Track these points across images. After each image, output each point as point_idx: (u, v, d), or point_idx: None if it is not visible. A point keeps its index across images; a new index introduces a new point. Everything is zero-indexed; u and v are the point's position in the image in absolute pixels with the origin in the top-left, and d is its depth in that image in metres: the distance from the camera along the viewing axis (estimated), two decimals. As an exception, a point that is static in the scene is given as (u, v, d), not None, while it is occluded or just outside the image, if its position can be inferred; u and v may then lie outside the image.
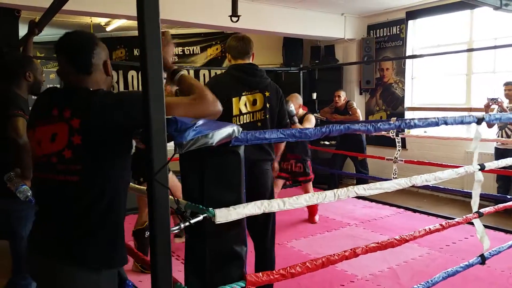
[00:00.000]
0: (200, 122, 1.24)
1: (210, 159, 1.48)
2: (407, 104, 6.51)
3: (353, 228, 4.40)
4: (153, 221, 1.11)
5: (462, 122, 2.22)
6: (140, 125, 1.20)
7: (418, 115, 6.40)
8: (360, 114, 5.95)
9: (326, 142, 7.06)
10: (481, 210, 2.55)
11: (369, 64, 6.73)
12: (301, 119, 4.39)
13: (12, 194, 2.08)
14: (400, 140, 5.05)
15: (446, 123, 2.13)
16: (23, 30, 4.50)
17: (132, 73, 7.99)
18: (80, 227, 1.31)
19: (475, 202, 2.50)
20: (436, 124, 2.10)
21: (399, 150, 4.99)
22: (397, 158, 4.93)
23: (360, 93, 7.09)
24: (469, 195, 2.68)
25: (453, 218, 2.58)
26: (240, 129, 1.44)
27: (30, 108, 2.23)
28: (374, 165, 6.21)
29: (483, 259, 2.49)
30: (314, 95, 7.17)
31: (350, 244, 3.78)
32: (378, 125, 1.88)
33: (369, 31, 6.86)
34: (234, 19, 4.63)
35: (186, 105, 1.31)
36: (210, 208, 1.36)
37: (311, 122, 4.44)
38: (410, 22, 6.30)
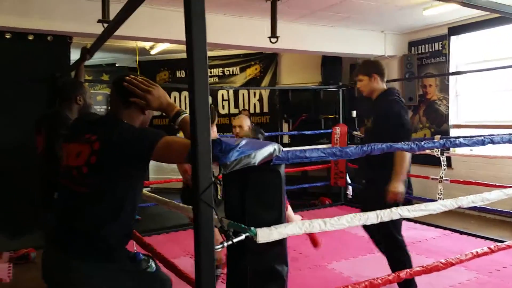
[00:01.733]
0: (243, 142, 1.28)
1: (251, 177, 1.51)
2: (452, 121, 6.32)
3: (397, 250, 4.27)
4: (198, 240, 1.14)
5: (510, 141, 2.14)
6: (149, 158, 1.45)
7: (464, 133, 6.19)
8: None
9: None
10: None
11: (411, 80, 6.61)
12: None
13: None
14: (445, 158, 4.90)
15: (492, 141, 2.07)
16: (74, 55, 4.79)
17: (174, 94, 8.24)
18: (82, 227, 1.52)
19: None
20: (482, 142, 2.03)
21: (444, 169, 4.83)
22: (442, 178, 4.77)
23: (402, 111, 6.94)
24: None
25: (503, 241, 2.47)
26: (281, 147, 1.46)
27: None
28: (418, 184, 6.02)
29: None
30: (354, 113, 7.11)
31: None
32: (422, 143, 1.85)
33: (410, 48, 6.76)
34: (273, 40, 4.71)
35: (185, 153, 1.35)
36: (252, 228, 1.39)
37: None
38: (452, 38, 6.17)
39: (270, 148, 1.39)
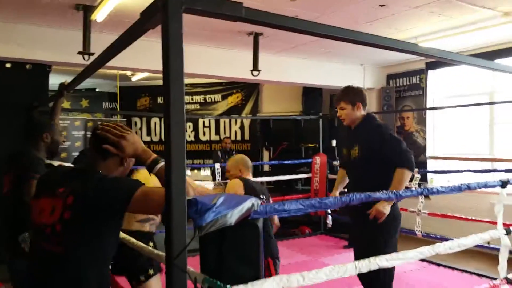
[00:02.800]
0: (221, 200, 1.26)
1: (228, 231, 1.47)
2: (429, 153, 6.43)
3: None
4: (171, 306, 1.11)
5: (486, 186, 2.18)
6: (125, 209, 1.39)
7: (440, 165, 6.30)
8: None
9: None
10: (510, 276, 2.44)
11: (389, 113, 6.75)
12: None
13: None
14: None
15: (469, 188, 2.10)
16: (53, 80, 4.73)
17: (155, 120, 8.20)
18: None
19: (502, 267, 2.40)
20: (459, 189, 2.06)
21: (422, 202, 4.90)
22: (420, 211, 4.82)
23: (381, 141, 7.05)
24: (497, 250, 2.54)
25: (480, 274, 2.47)
26: (259, 202, 1.45)
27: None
28: (396, 215, 6.06)
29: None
30: (334, 143, 7.17)
31: None
32: (400, 193, 1.86)
33: (388, 81, 6.92)
34: (255, 73, 4.77)
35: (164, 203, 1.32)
36: (228, 286, 1.35)
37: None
38: (430, 72, 6.34)
39: (248, 204, 1.37)
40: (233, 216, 1.26)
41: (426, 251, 1.97)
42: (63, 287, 1.43)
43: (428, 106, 6.30)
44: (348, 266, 1.68)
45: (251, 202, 1.40)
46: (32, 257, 1.57)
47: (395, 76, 6.82)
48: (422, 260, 5.01)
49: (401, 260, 1.83)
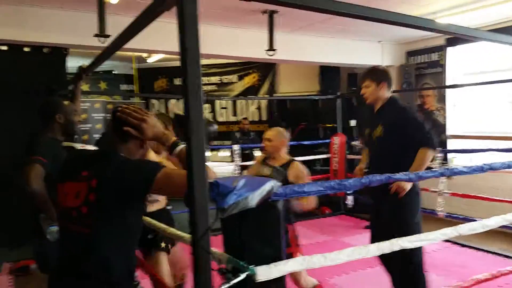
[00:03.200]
0: (241, 182, 1.25)
1: (249, 213, 1.48)
2: (449, 132, 6.31)
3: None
4: (197, 285, 1.12)
5: (509, 167, 2.13)
6: (148, 191, 1.42)
7: (461, 144, 6.18)
8: None
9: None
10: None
11: (409, 91, 6.62)
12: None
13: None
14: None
15: (492, 168, 2.05)
16: (71, 63, 4.76)
17: (173, 101, 8.22)
18: (86, 270, 1.46)
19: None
20: (481, 169, 2.02)
21: (443, 182, 4.83)
22: (442, 191, 4.76)
23: (400, 120, 6.95)
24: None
25: (505, 255, 2.43)
26: (279, 184, 1.44)
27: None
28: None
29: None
30: (352, 122, 7.09)
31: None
32: (420, 174, 1.83)
33: (408, 58, 6.76)
34: (271, 53, 4.71)
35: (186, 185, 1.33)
36: (251, 266, 1.36)
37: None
38: (449, 49, 6.17)
39: (268, 187, 1.36)
40: (254, 199, 1.26)
41: (449, 232, 1.94)
42: (92, 267, 1.46)
43: (448, 83, 6.15)
44: (370, 247, 1.68)
45: (271, 184, 1.39)
46: (61, 239, 1.62)
47: (415, 53, 6.66)
48: (446, 240, 4.97)
49: (423, 242, 1.81)
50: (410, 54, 6.71)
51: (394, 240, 1.73)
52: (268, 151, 2.97)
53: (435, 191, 4.69)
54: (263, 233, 1.50)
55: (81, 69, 2.80)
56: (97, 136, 7.39)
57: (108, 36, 3.70)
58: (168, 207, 2.79)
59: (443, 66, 6.23)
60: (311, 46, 5.96)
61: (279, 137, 2.98)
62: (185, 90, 1.10)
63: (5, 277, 3.89)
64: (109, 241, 1.46)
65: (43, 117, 2.49)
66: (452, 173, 2.10)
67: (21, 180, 2.28)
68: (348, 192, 6.29)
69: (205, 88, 7.97)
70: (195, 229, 1.11)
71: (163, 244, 2.63)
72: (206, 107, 8.02)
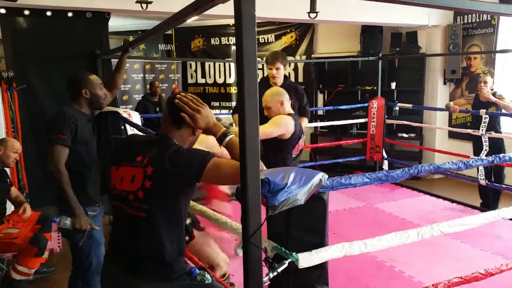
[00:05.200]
0: (291, 178, 1.29)
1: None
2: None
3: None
4: (248, 279, 1.19)
5: None
6: (198, 179, 1.48)
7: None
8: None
9: (405, 135, 6.81)
10: None
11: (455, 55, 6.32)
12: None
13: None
14: (487, 139, 4.76)
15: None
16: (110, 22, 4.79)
17: (209, 63, 8.22)
18: (142, 253, 1.57)
19: None
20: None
21: (486, 150, 4.71)
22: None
23: (444, 83, 6.70)
24: None
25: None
26: (326, 176, 1.47)
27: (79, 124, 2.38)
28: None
29: None
30: (393, 85, 6.90)
31: (428, 252, 3.69)
32: (470, 162, 1.80)
33: (455, 17, 6.40)
34: (312, 15, 4.57)
35: (234, 175, 1.37)
36: (293, 253, 1.42)
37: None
38: (503, 7, 5.76)
39: (316, 180, 1.39)
40: (303, 195, 1.30)
41: (492, 216, 1.93)
42: (146, 249, 1.57)
43: (499, 46, 5.82)
44: (410, 232, 1.70)
45: (319, 178, 1.42)
46: (115, 220, 1.73)
47: (464, 12, 6.28)
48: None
49: (464, 226, 1.81)
50: (459, 13, 6.33)
51: (435, 225, 1.75)
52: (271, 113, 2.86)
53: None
54: (309, 223, 1.55)
55: (126, 42, 2.83)
56: (136, 96, 7.56)
57: (150, 2, 3.70)
58: None
59: (495, 26, 5.87)
60: (352, 5, 5.71)
61: (275, 98, 2.87)
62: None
63: (55, 234, 4.16)
64: (163, 225, 1.55)
65: (70, 91, 2.51)
66: (502, 161, 2.01)
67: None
68: (385, 156, 6.25)
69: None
70: (247, 226, 1.17)
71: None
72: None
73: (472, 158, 1.78)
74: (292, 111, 2.98)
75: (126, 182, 1.59)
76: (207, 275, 1.64)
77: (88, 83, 2.49)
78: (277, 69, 3.37)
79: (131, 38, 2.80)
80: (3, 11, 4.14)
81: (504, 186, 4.86)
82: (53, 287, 3.40)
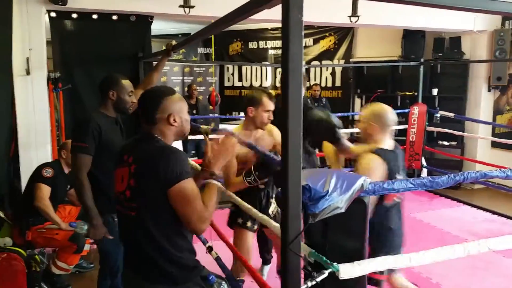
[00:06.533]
0: (332, 185, 1.26)
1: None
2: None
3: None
4: (286, 286, 1.18)
5: None
6: (178, 180, 1.45)
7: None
8: None
9: (445, 143, 6.59)
10: None
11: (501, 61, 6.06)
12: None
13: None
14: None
15: None
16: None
17: (246, 66, 8.28)
18: (142, 253, 1.56)
19: None
20: None
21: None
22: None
23: (489, 90, 6.43)
24: None
25: None
26: (369, 180, 1.43)
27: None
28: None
29: None
30: (435, 91, 6.70)
31: (468, 265, 3.55)
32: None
33: (504, 21, 6.14)
34: (354, 19, 4.52)
35: (199, 208, 1.47)
36: (334, 263, 1.39)
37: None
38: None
39: (358, 185, 1.36)
40: (344, 203, 1.27)
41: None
42: (145, 249, 1.55)
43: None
44: (456, 247, 1.63)
45: (360, 182, 1.39)
46: (119, 224, 1.73)
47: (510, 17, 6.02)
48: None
49: (514, 243, 1.71)
50: (507, 17, 6.07)
51: (482, 241, 1.67)
52: (361, 134, 2.49)
53: None
54: (349, 227, 1.51)
55: (169, 45, 2.87)
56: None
57: (192, 6, 3.77)
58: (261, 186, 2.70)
59: (546, 31, 5.60)
60: (395, 9, 5.58)
61: (369, 118, 2.39)
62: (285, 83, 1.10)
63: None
64: (153, 223, 1.52)
65: (100, 93, 2.47)
66: None
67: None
68: (424, 164, 6.07)
69: (279, 51, 7.90)
70: (286, 233, 1.16)
71: (249, 223, 2.70)
72: (279, 71, 7.98)
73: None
74: (391, 143, 2.40)
75: (118, 183, 1.61)
76: (225, 285, 1.62)
77: (117, 86, 2.44)
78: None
79: (174, 42, 2.84)
80: (53, 14, 4.32)
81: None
82: (91, 283, 3.49)
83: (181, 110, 1.64)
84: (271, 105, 2.60)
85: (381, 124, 2.34)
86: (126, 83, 2.49)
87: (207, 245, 2.57)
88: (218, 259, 2.52)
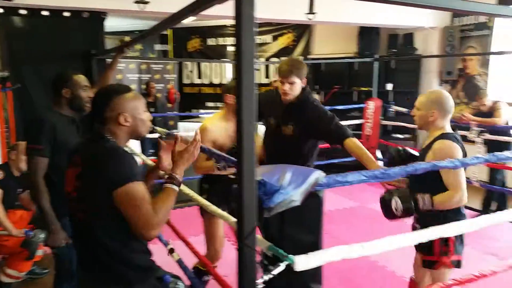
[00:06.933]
0: (287, 179, 1.28)
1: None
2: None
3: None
4: (242, 281, 1.18)
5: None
6: (123, 183, 1.39)
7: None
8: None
9: (399, 136, 6.82)
10: None
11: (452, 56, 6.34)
12: None
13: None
14: (482, 141, 4.77)
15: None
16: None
17: (205, 63, 8.21)
18: (94, 255, 1.51)
19: None
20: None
21: (479, 152, 4.71)
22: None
23: (440, 84, 6.73)
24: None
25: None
26: (323, 174, 1.46)
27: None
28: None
29: None
30: (389, 86, 6.91)
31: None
32: (467, 161, 1.80)
33: (453, 19, 6.42)
34: (311, 16, 4.58)
35: (146, 214, 1.40)
36: (290, 256, 1.41)
37: None
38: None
39: (312, 179, 1.38)
40: (299, 196, 1.29)
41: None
42: (93, 251, 1.51)
43: (494, 48, 5.84)
44: (408, 235, 1.69)
45: (315, 176, 1.41)
46: (70, 224, 1.67)
47: (461, 14, 6.30)
48: None
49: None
50: (456, 14, 6.35)
51: (432, 228, 1.74)
52: (416, 123, 2.38)
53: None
54: (304, 221, 1.55)
55: (123, 43, 2.82)
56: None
57: (147, 2, 3.70)
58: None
59: (490, 28, 5.90)
60: (351, 6, 5.71)
61: (429, 106, 2.28)
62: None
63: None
64: (102, 226, 1.47)
65: (52, 90, 2.35)
66: (499, 159, 2.01)
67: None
68: (380, 157, 6.24)
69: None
70: (242, 227, 1.16)
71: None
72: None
73: (470, 157, 1.76)
74: (450, 130, 2.32)
75: (67, 184, 1.56)
76: (180, 283, 1.61)
77: (70, 82, 2.31)
78: (291, 83, 2.50)
79: (127, 39, 2.78)
80: (0, 10, 4.11)
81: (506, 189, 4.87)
82: (43, 289, 3.34)
83: (135, 109, 1.55)
84: None
85: (443, 110, 2.29)
86: (79, 78, 2.37)
87: (168, 247, 2.53)
88: (180, 262, 2.48)
